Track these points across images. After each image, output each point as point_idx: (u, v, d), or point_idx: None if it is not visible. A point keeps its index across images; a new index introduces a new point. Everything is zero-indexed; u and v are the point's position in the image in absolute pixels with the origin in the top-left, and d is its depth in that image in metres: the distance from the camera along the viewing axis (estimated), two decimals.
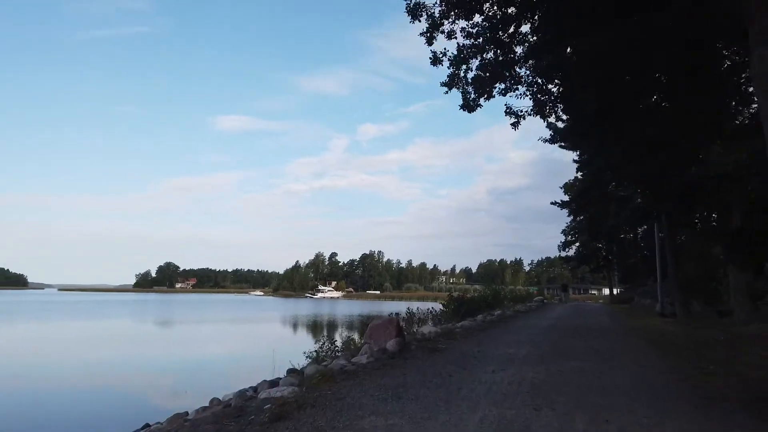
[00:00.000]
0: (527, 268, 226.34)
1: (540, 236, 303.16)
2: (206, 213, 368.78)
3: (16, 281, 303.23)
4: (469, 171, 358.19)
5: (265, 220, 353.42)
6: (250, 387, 11.31)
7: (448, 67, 15.13)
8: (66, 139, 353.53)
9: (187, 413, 10.68)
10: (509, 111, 15.82)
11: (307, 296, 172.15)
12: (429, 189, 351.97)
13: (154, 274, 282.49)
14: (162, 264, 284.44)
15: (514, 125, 15.99)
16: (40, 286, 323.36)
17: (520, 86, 15.44)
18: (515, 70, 15.15)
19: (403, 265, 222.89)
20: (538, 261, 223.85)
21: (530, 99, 15.67)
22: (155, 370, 23.42)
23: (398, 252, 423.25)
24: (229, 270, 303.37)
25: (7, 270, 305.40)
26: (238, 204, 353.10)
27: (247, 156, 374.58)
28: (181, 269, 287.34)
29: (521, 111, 15.91)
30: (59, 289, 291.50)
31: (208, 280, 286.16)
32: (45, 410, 15.88)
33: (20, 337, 39.79)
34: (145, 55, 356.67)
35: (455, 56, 14.93)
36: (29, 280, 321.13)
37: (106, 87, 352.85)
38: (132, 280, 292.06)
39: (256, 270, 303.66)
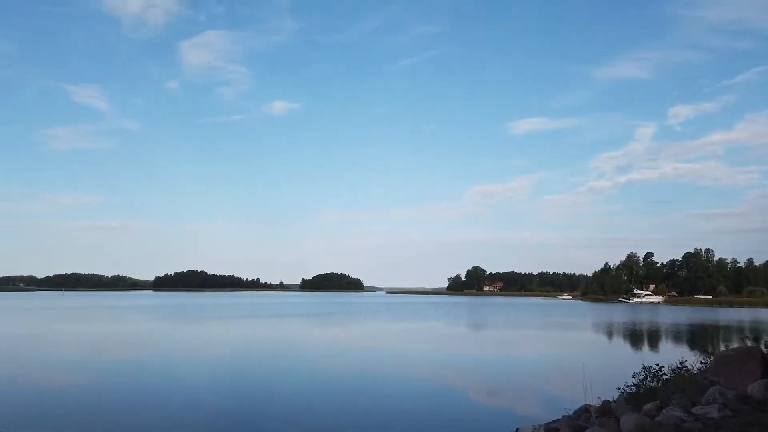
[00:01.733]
0: None
1: None
2: (509, 216, 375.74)
3: (355, 285, 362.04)
4: None
5: (569, 221, 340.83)
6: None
7: None
8: (387, 156, 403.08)
9: None
10: None
11: (620, 301, 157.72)
12: None
13: (463, 278, 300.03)
14: (470, 268, 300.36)
15: None
16: (373, 289, 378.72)
17: None
18: None
19: (741, 264, 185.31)
20: None
21: None
22: (466, 370, 22.88)
23: (731, 249, 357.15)
24: (535, 273, 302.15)
25: (348, 275, 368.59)
26: (540, 206, 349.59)
27: (545, 157, 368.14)
28: (487, 273, 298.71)
29: None
30: (387, 292, 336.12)
31: (514, 283, 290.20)
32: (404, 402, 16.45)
33: (376, 332, 45.42)
34: (438, 74, 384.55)
35: None
36: (364, 284, 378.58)
37: (413, 109, 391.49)
38: (444, 284, 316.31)
39: (562, 273, 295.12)
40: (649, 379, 12.21)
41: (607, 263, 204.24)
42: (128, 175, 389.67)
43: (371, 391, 19.78)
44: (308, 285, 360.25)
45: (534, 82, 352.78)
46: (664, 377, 12.23)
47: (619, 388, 12.45)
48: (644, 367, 12.50)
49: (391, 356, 30.84)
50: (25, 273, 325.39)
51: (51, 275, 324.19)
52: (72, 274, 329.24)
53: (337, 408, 16.76)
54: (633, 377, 12.49)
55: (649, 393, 11.09)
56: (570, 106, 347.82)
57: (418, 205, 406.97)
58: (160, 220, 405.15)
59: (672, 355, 29.47)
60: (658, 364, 12.49)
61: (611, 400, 12.04)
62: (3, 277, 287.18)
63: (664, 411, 8.94)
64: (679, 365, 12.67)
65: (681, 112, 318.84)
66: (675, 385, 10.95)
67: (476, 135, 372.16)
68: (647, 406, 9.61)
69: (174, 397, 18.35)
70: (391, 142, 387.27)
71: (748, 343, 14.30)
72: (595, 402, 12.49)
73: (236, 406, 17.06)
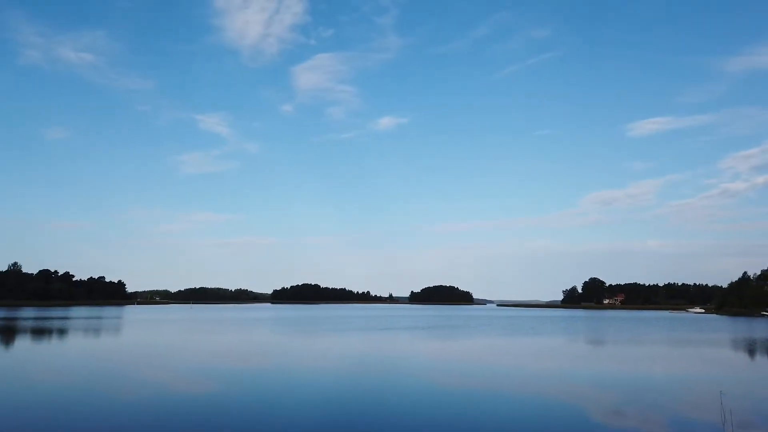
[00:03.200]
0: None
1: None
2: (629, 224, 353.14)
3: (464, 297, 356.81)
4: None
5: (699, 227, 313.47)
6: None
7: None
8: (498, 165, 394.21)
9: None
10: None
11: (764, 315, 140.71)
12: None
13: (580, 290, 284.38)
14: (587, 279, 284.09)
15: None
16: (483, 302, 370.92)
17: None
18: None
19: None
20: None
21: None
22: (581, 388, 20.92)
23: None
24: (660, 284, 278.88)
25: (457, 288, 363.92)
26: (666, 211, 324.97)
27: (671, 159, 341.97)
28: (607, 284, 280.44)
29: None
30: (498, 305, 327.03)
31: (637, 296, 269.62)
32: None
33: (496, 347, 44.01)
34: (549, 78, 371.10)
35: None
36: (474, 296, 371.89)
37: (525, 116, 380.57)
38: (559, 296, 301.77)
39: (692, 284, 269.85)
40: None
41: (745, 272, 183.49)
42: (249, 194, 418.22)
43: (481, 407, 18.72)
44: (417, 297, 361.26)
45: (655, 78, 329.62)
46: None
47: None
48: None
49: (499, 372, 29.43)
50: (161, 287, 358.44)
51: (182, 289, 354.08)
52: (200, 288, 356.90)
53: (444, 422, 15.92)
54: None
55: None
56: (698, 103, 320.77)
57: (530, 215, 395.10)
58: (278, 236, 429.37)
59: None
60: None
61: None
62: (143, 291, 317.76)
63: None
64: None
65: None
66: None
67: (592, 139, 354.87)
68: None
69: (289, 406, 18.68)
70: (502, 150, 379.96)
71: None
72: None
73: (348, 416, 16.81)
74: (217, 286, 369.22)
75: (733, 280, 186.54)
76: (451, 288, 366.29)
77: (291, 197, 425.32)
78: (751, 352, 44.85)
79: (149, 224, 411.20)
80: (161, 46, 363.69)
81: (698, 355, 42.33)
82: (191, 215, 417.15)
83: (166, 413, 17.19)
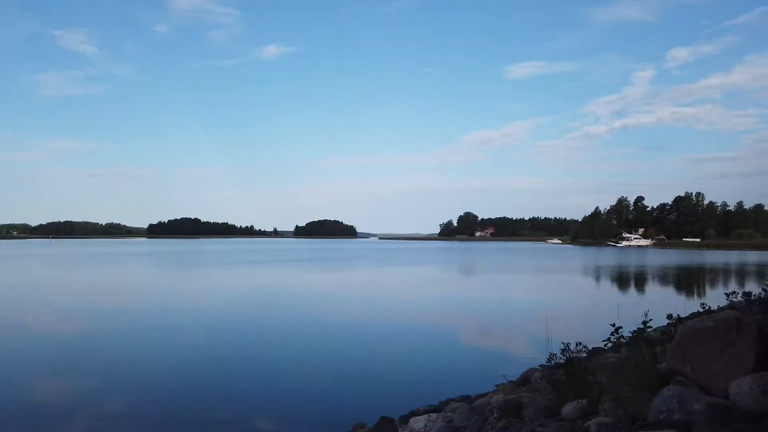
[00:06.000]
0: None
1: None
2: (502, 163, 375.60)
3: (348, 231, 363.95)
4: None
5: (562, 167, 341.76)
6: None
7: None
8: (384, 101, 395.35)
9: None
10: None
11: (609, 245, 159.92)
12: None
13: (455, 224, 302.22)
14: (462, 214, 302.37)
15: None
16: (366, 236, 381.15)
17: None
18: None
19: (731, 207, 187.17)
20: None
21: None
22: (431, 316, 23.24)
23: (723, 193, 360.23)
24: (526, 218, 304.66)
25: (341, 222, 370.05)
26: (534, 152, 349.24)
27: (542, 102, 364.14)
28: (479, 218, 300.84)
29: None
30: (379, 238, 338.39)
31: (505, 229, 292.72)
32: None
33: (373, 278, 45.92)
34: (437, 16, 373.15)
35: None
36: (357, 230, 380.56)
37: (412, 52, 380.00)
38: (437, 230, 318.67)
39: (553, 218, 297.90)
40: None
41: (597, 208, 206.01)
42: (121, 122, 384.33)
43: (352, 334, 20.17)
44: (302, 232, 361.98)
45: (533, 24, 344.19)
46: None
47: (550, 360, 8.37)
48: (563, 347, 8.10)
49: (376, 301, 31.23)
50: (19, 221, 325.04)
51: (44, 223, 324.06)
52: (65, 222, 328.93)
53: (316, 348, 17.20)
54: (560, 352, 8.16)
55: (577, 381, 6.77)
56: (568, 49, 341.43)
57: (413, 152, 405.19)
58: (154, 167, 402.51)
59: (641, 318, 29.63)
60: (615, 326, 7.50)
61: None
62: None
63: (594, 421, 5.04)
64: (641, 327, 7.48)
65: (680, 54, 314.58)
66: (625, 376, 5.90)
67: (474, 79, 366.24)
68: (567, 408, 5.96)
69: (164, 346, 18.40)
70: (388, 86, 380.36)
71: (737, 298, 10.63)
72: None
73: (230, 348, 17.31)
74: (85, 220, 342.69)
75: (587, 215, 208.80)
76: (336, 222, 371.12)
77: (168, 126, 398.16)
78: (586, 276, 52.07)
79: (0, 151, 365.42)
80: None
81: (539, 280, 47.89)
82: (51, 142, 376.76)
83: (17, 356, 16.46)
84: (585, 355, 8.41)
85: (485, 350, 16.52)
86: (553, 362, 8.23)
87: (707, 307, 9.39)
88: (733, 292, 10.32)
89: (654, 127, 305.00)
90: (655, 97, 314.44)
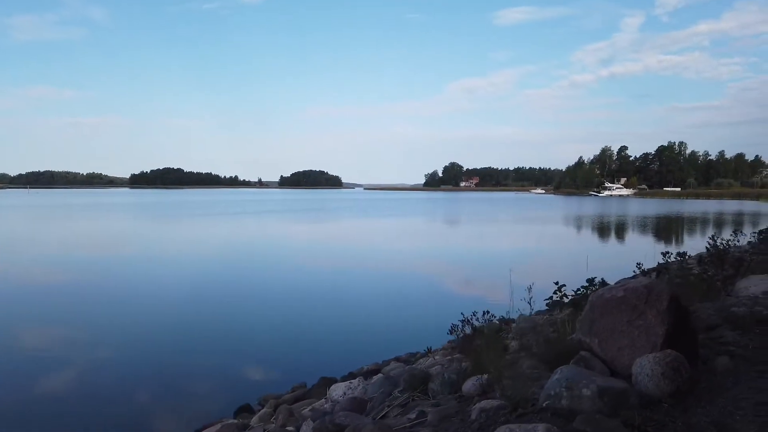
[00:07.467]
0: None
1: None
2: (488, 112, 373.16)
3: (334, 182, 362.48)
4: None
5: (548, 116, 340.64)
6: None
7: None
8: (369, 49, 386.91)
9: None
10: None
11: (591, 194, 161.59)
12: (756, 64, 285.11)
13: (440, 174, 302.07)
14: (447, 164, 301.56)
15: None
16: (351, 186, 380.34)
17: None
18: None
19: (713, 156, 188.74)
20: None
21: None
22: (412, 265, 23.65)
23: (706, 142, 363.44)
24: (511, 168, 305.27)
25: (327, 173, 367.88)
26: (520, 101, 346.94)
27: (529, 50, 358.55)
28: (464, 169, 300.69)
29: None
30: (365, 189, 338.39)
31: (490, 179, 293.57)
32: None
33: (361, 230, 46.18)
34: None
35: None
36: (343, 181, 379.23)
37: None
38: (422, 180, 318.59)
39: (537, 168, 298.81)
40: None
41: (581, 157, 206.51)
42: (99, 68, 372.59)
43: (322, 289, 19.98)
44: (287, 182, 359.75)
45: None
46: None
47: (462, 321, 6.91)
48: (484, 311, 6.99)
49: (349, 254, 30.90)
50: None
51: (24, 173, 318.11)
52: (45, 171, 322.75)
53: (281, 302, 17.48)
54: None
55: (489, 350, 5.78)
56: None
57: (398, 101, 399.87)
58: (136, 116, 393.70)
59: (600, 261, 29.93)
60: (557, 283, 7.18)
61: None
62: None
63: (481, 404, 4.11)
64: (586, 285, 6.85)
65: (670, 0, 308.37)
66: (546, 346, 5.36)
67: (461, 25, 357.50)
68: (467, 384, 5.05)
69: (148, 296, 18.56)
70: (373, 33, 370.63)
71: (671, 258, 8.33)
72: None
73: (220, 298, 17.54)
74: (66, 170, 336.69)
75: (571, 164, 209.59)
76: (321, 172, 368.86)
77: (148, 74, 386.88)
78: (561, 226, 52.85)
79: None
80: None
81: (515, 231, 48.47)
82: (29, 89, 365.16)
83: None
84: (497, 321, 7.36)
85: (450, 303, 16.85)
86: (466, 327, 6.82)
87: (642, 268, 7.97)
88: (667, 252, 8.50)
89: (640, 75, 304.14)
90: (642, 44, 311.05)
